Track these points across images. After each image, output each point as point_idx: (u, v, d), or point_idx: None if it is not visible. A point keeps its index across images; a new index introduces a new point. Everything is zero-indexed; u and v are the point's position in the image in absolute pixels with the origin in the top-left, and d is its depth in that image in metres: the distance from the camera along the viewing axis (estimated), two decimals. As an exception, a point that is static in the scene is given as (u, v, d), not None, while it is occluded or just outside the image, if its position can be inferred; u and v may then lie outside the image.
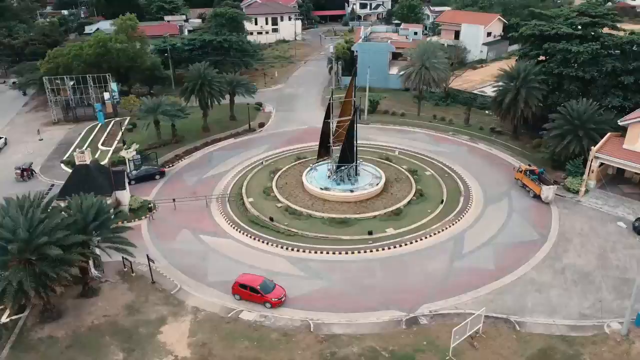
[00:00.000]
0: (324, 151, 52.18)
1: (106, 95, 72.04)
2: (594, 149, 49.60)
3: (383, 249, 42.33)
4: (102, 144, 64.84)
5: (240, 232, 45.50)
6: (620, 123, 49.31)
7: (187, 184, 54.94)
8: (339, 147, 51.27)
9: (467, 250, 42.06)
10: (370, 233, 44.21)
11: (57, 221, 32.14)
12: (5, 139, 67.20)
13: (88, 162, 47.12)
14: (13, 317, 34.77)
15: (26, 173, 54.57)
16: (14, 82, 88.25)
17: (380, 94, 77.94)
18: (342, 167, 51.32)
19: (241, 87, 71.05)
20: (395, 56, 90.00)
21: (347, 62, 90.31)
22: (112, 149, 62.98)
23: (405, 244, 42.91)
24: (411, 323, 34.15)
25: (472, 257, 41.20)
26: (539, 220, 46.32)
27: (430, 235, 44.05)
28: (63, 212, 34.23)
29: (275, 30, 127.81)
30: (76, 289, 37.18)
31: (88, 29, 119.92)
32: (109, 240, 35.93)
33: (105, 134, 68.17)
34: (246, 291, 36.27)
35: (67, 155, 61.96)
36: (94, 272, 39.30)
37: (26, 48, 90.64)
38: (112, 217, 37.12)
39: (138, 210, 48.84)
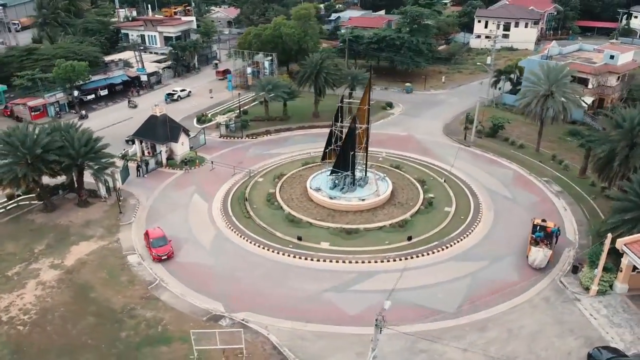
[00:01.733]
0: (328, 153, 52.02)
1: (248, 69, 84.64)
2: (619, 239, 35.58)
3: (289, 255, 42.00)
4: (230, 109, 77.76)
5: (220, 202, 51.18)
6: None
7: (246, 155, 62.53)
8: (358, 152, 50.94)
9: (354, 289, 38.06)
10: (299, 239, 43.94)
11: (45, 141, 45.08)
12: (189, 91, 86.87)
13: (158, 114, 59.60)
14: (34, 202, 50.08)
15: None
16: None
17: (509, 117, 67.68)
18: (339, 174, 50.35)
19: (360, 82, 72.87)
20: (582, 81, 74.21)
21: (518, 78, 79.87)
22: (229, 113, 75.04)
23: (312, 259, 41.38)
24: (212, 319, 35.08)
25: (349, 296, 37.28)
26: (483, 298, 37.06)
27: (344, 262, 40.98)
28: (59, 138, 46.83)
29: (505, 36, 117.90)
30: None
31: (334, 16, 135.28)
32: (90, 166, 47.57)
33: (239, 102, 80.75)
34: (146, 240, 42.86)
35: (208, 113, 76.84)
36: (102, 192, 51.84)
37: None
38: (98, 148, 48.47)
39: (188, 162, 59.30)
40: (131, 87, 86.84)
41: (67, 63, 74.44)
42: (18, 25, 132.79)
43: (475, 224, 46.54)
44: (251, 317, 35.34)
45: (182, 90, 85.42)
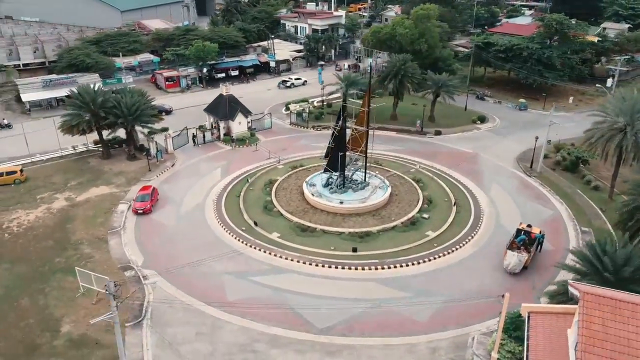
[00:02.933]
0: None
1: (346, 64, 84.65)
2: (524, 304, 28.49)
3: (232, 235, 43.82)
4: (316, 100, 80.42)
5: (230, 179, 54.95)
6: (569, 287, 25.76)
7: (295, 143, 64.95)
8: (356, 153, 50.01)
9: (253, 279, 38.32)
10: (255, 224, 45.32)
11: (100, 100, 55.11)
12: (305, 81, 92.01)
13: (224, 94, 65.85)
14: (101, 149, 61.13)
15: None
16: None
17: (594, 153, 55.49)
18: (332, 174, 49.39)
19: (445, 89, 68.11)
20: None
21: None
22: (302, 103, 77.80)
23: (247, 244, 42.51)
24: (122, 268, 39.43)
25: (242, 283, 37.77)
26: (365, 326, 33.59)
27: (269, 253, 41.20)
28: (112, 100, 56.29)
29: None
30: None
31: (504, 21, 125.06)
32: (138, 124, 56.54)
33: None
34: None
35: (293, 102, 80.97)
36: (152, 151, 60.43)
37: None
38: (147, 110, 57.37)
39: (236, 140, 64.62)
40: (259, 70, 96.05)
41: (200, 43, 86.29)
42: (219, 11, 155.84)
43: (441, 254, 41.23)
44: (153, 277, 38.66)
45: (297, 79, 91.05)
